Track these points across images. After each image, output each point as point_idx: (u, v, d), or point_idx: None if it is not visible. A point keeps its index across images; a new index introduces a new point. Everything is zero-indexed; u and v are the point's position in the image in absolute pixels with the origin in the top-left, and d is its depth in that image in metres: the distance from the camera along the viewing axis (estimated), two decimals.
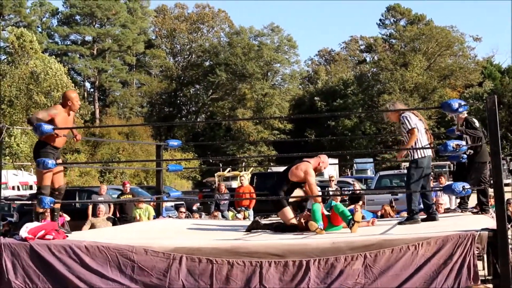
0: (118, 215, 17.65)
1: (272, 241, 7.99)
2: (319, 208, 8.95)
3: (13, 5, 69.32)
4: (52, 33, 77.74)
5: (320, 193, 9.54)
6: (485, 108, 7.47)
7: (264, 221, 10.17)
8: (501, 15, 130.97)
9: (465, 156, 10.27)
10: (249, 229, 9.36)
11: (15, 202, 23.49)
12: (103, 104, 79.47)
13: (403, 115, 9.32)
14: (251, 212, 19.91)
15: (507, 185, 22.97)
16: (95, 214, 17.07)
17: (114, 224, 16.10)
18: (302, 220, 9.18)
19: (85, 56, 75.66)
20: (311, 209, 9.08)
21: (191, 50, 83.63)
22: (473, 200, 11.40)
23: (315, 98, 76.15)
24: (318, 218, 8.80)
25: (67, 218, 15.98)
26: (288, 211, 9.30)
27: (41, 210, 9.09)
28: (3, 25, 65.37)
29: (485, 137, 10.36)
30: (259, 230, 9.34)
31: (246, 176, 24.51)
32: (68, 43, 78.20)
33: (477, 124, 10.47)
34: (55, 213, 9.41)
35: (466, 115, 10.55)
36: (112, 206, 17.88)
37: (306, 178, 9.35)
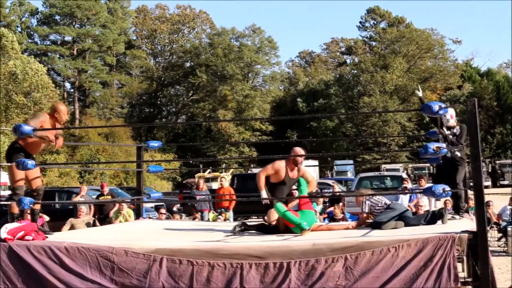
0: (97, 216, 17.59)
1: (253, 243, 7.98)
2: (284, 208, 8.98)
3: None
4: (32, 33, 77.25)
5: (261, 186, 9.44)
6: (466, 110, 7.52)
7: (248, 223, 10.14)
8: (481, 18, 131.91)
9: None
10: (234, 229, 9.35)
11: None
12: (83, 104, 79.11)
13: None
14: (231, 213, 19.89)
15: (486, 187, 23.09)
16: (74, 214, 16.99)
17: (93, 225, 16.02)
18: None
19: (65, 56, 75.27)
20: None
21: (171, 51, 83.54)
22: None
23: (298, 99, 76.33)
24: (295, 219, 8.83)
25: (47, 218, 15.90)
26: (273, 213, 9.26)
27: (16, 211, 9.03)
28: None
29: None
30: (244, 232, 9.35)
31: (226, 178, 24.46)
32: (48, 43, 77.78)
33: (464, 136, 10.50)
34: (35, 214, 9.36)
35: (455, 122, 10.56)
36: (92, 207, 17.80)
37: (258, 175, 9.44)
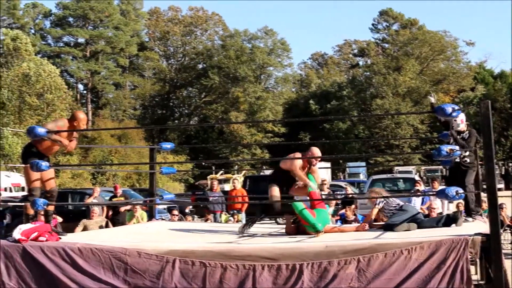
0: (110, 214, 17.64)
1: (265, 245, 7.98)
2: (302, 206, 9.03)
3: (6, 7, 69.19)
4: (45, 35, 77.55)
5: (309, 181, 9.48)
6: (479, 112, 7.50)
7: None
8: (495, 20, 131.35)
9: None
10: (243, 228, 9.38)
11: (8, 203, 23.41)
12: (96, 106, 79.31)
13: None
14: (243, 215, 19.88)
15: (499, 189, 23.00)
16: (87, 216, 17.04)
17: (106, 226, 16.06)
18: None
19: (78, 58, 75.45)
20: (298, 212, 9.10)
21: (184, 53, 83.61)
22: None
23: (310, 101, 76.22)
24: (311, 219, 8.85)
25: (60, 219, 15.94)
26: (275, 190, 9.38)
27: (31, 212, 9.09)
28: None
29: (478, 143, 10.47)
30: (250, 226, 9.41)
31: (239, 179, 24.46)
32: (61, 45, 78.01)
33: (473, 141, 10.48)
34: (49, 215, 9.41)
35: (466, 127, 10.54)
36: (105, 208, 17.84)
37: (291, 168, 9.46)
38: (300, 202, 9.08)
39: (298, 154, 9.55)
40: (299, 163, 9.49)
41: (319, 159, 9.64)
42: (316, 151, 9.66)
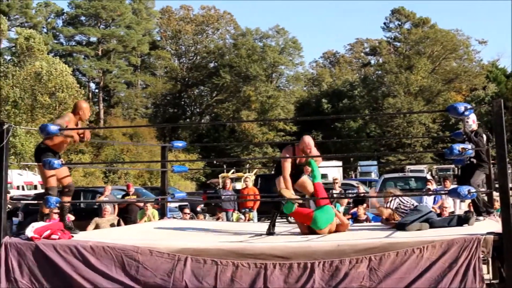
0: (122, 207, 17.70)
1: (277, 243, 7.99)
2: (293, 208, 9.19)
3: (19, 6, 69.47)
4: (57, 33, 77.80)
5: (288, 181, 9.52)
6: (491, 111, 7.46)
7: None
8: (508, 19, 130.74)
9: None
10: (270, 230, 9.43)
11: (20, 201, 23.53)
12: (108, 105, 79.49)
13: None
14: (255, 213, 19.86)
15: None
16: (98, 214, 17.09)
17: (118, 224, 16.09)
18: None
19: (90, 57, 75.66)
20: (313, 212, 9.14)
21: (196, 52, 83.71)
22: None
23: (323, 99, 76.16)
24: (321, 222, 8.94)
25: (72, 218, 15.98)
26: (281, 181, 9.42)
27: (47, 211, 9.15)
28: (9, 25, 65.37)
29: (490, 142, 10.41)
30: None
31: (250, 178, 24.43)
32: (73, 43, 78.28)
33: (484, 140, 10.42)
34: (65, 210, 9.45)
35: (476, 127, 10.46)
36: (116, 206, 17.87)
37: (283, 166, 9.51)
38: (292, 203, 9.19)
39: (289, 149, 9.72)
40: (289, 162, 9.53)
41: (312, 146, 9.65)
42: (307, 139, 9.66)
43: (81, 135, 9.60)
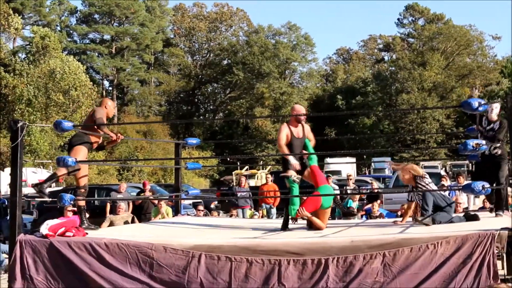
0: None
1: (291, 240, 8.00)
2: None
3: (33, 5, 69.72)
4: (71, 32, 77.97)
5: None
6: (506, 107, 7.43)
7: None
8: None
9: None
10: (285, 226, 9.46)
11: (35, 199, 23.60)
12: (122, 102, 79.62)
13: None
14: (274, 210, 19.74)
15: None
16: (113, 211, 17.13)
17: (132, 222, 16.14)
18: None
19: (103, 54, 75.77)
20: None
21: (209, 49, 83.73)
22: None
23: (338, 96, 76.00)
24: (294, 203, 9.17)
25: (86, 215, 16.03)
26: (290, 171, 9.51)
27: (83, 204, 9.44)
28: (23, 23, 65.58)
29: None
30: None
31: (263, 175, 24.42)
32: (87, 41, 78.44)
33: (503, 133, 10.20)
34: (82, 211, 9.50)
35: (497, 117, 10.22)
36: (131, 204, 17.93)
37: (279, 145, 9.76)
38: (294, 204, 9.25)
39: (284, 125, 9.71)
40: (284, 132, 9.59)
41: (303, 111, 9.93)
42: (298, 106, 9.91)
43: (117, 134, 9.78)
